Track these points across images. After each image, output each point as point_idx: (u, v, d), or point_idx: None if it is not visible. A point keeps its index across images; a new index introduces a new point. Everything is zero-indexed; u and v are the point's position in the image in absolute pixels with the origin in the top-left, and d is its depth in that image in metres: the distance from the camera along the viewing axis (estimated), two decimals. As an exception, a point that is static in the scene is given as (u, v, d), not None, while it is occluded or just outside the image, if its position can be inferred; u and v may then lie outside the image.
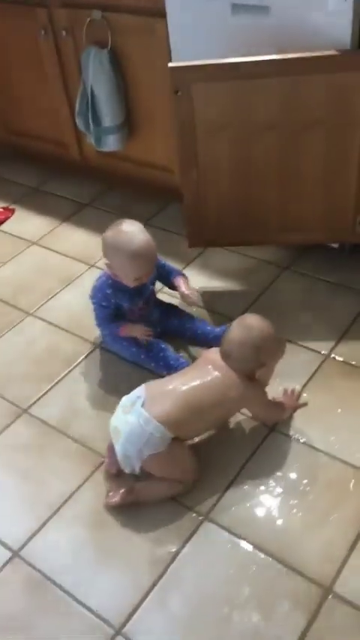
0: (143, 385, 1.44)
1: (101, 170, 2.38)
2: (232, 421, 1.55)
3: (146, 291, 1.71)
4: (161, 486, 1.40)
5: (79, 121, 2.17)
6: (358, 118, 1.59)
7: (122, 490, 1.40)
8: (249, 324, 1.43)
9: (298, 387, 1.59)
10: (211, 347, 1.64)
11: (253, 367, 1.42)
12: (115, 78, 2.02)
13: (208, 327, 1.77)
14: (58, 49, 2.16)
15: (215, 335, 1.73)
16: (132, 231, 1.58)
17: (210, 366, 1.43)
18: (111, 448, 1.46)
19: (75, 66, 2.14)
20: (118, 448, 1.39)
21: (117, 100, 2.05)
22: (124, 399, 1.44)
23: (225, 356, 1.42)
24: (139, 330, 1.69)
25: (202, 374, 1.42)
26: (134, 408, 1.38)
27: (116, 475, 1.45)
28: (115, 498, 1.40)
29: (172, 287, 1.77)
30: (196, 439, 1.49)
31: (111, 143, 2.13)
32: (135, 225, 1.60)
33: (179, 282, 1.74)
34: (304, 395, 1.59)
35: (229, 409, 1.48)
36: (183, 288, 1.72)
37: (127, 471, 1.40)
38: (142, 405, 1.37)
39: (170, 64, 1.60)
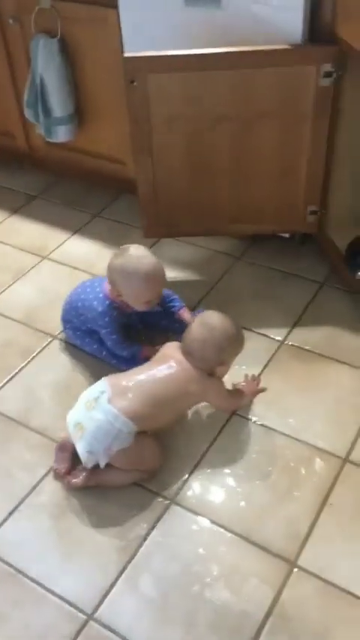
0: (104, 379, 1.44)
1: (50, 161, 2.36)
2: (195, 407, 1.57)
3: (150, 317, 1.73)
4: (123, 475, 1.41)
5: (27, 112, 2.14)
6: (308, 110, 1.65)
7: (84, 473, 1.40)
8: (211, 325, 1.44)
9: (256, 374, 1.63)
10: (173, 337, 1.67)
11: (213, 365, 1.45)
12: (65, 68, 2.00)
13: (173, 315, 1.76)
14: (4, 38, 2.12)
15: (180, 326, 1.74)
16: (142, 255, 1.58)
17: (171, 361, 1.44)
18: (61, 447, 1.46)
19: (23, 55, 2.10)
20: (81, 444, 1.37)
21: (67, 90, 2.04)
22: (86, 393, 1.43)
23: (186, 353, 1.44)
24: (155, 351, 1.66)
25: (164, 369, 1.43)
26: (99, 404, 1.37)
27: (65, 474, 1.44)
28: (77, 479, 1.40)
29: (171, 315, 1.74)
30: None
31: (61, 134, 2.11)
32: (142, 249, 1.60)
33: (185, 316, 1.71)
34: (262, 380, 1.64)
35: (190, 402, 1.51)
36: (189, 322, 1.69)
37: (89, 466, 1.39)
38: (108, 401, 1.37)
39: (125, 54, 1.61)
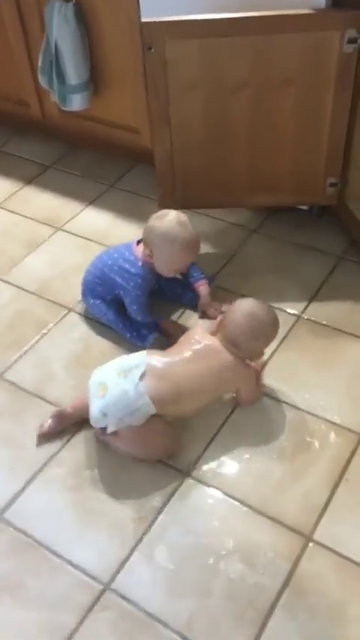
0: (145, 353, 1.42)
1: (65, 130, 2.32)
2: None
3: (168, 283, 1.75)
4: (130, 445, 1.41)
5: (42, 79, 2.10)
6: (330, 78, 1.60)
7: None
8: (260, 317, 1.43)
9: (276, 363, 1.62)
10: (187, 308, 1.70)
11: (257, 354, 1.49)
12: (80, 33, 1.95)
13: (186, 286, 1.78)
14: (17, 3, 2.06)
15: (192, 296, 1.75)
16: (185, 222, 1.59)
17: (210, 351, 1.43)
18: (59, 415, 1.48)
19: (37, 20, 2.05)
20: (98, 403, 1.37)
21: (82, 56, 1.99)
22: (121, 360, 1.43)
23: (229, 342, 1.42)
24: (175, 326, 1.70)
25: (204, 361, 1.41)
26: (131, 376, 1.36)
27: (46, 434, 1.48)
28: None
29: (190, 286, 1.76)
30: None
31: (76, 102, 2.07)
32: (184, 216, 1.61)
33: (202, 289, 1.73)
34: (279, 355, 1.63)
35: (222, 390, 1.49)
36: (204, 299, 1.73)
37: (96, 425, 1.40)
38: (141, 378, 1.36)
39: (143, 19, 1.56)
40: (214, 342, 1.44)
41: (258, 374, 1.53)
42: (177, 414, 1.43)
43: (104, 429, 1.39)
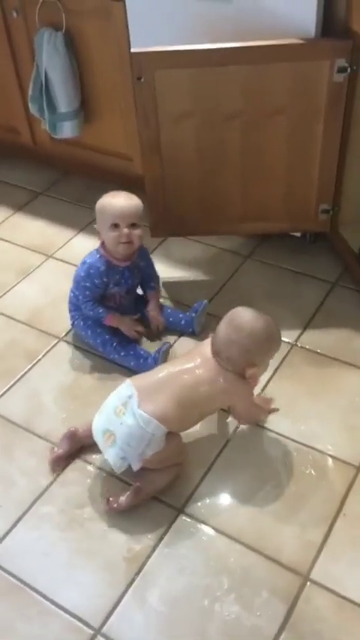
0: (129, 382, 1.38)
1: (56, 157, 2.32)
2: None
3: (133, 275, 1.70)
4: (163, 476, 1.37)
5: (32, 107, 2.10)
6: (320, 106, 1.59)
7: (128, 493, 1.35)
8: (238, 325, 1.34)
9: (267, 379, 1.58)
10: (182, 334, 1.70)
11: (240, 367, 1.36)
12: (70, 62, 1.95)
13: (179, 314, 1.77)
14: (8, 31, 2.07)
15: (186, 321, 1.74)
16: (117, 193, 1.64)
17: (198, 360, 1.38)
18: (71, 436, 1.45)
19: (27, 49, 2.05)
20: (112, 451, 1.33)
21: (72, 84, 1.99)
22: (112, 399, 1.38)
23: (215, 353, 1.37)
24: (127, 323, 1.69)
25: (191, 368, 1.37)
26: (129, 409, 1.32)
27: (59, 458, 1.44)
28: (121, 501, 1.35)
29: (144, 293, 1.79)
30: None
31: (67, 130, 2.07)
32: (124, 193, 1.64)
33: (150, 298, 1.76)
34: (273, 385, 1.60)
35: (217, 404, 1.45)
36: (151, 307, 1.74)
37: (119, 471, 1.36)
38: (138, 405, 1.32)
39: (133, 50, 1.56)
40: (205, 350, 1.39)
41: (250, 390, 1.43)
42: (182, 428, 1.39)
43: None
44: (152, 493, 1.37)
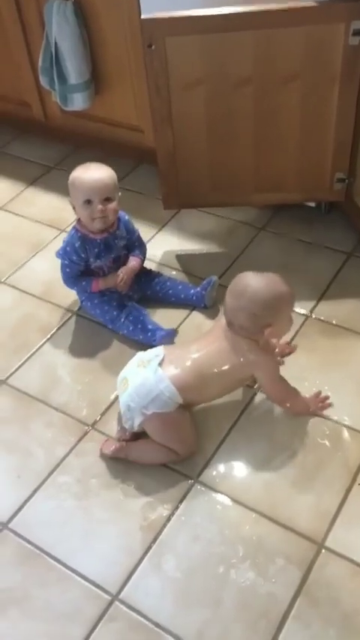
0: (162, 346, 1.42)
1: (68, 130, 2.29)
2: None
3: (113, 245, 1.67)
4: (156, 451, 1.38)
5: (42, 79, 2.08)
6: (336, 71, 1.56)
7: (116, 444, 1.40)
8: (239, 291, 1.32)
9: (329, 394, 1.49)
10: (194, 307, 1.68)
11: (255, 332, 1.33)
12: (80, 31, 1.92)
13: (190, 289, 1.75)
14: (17, 2, 2.04)
15: (197, 297, 1.73)
16: (89, 164, 1.60)
17: (220, 332, 1.38)
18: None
19: (37, 20, 2.02)
20: (122, 399, 1.37)
21: (83, 55, 1.96)
22: (142, 353, 1.42)
23: (228, 323, 1.36)
24: (111, 279, 1.66)
25: (213, 340, 1.38)
26: (150, 365, 1.36)
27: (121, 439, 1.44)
28: (107, 450, 1.40)
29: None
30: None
31: (77, 102, 2.04)
32: (96, 163, 1.61)
33: (130, 262, 1.70)
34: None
35: (239, 375, 1.41)
36: (123, 268, 1.68)
37: (126, 425, 1.38)
38: (160, 364, 1.35)
39: (143, 16, 1.53)
40: (223, 323, 1.38)
41: (272, 359, 1.40)
42: (202, 399, 1.41)
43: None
44: (135, 458, 1.39)
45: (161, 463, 1.39)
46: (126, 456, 1.40)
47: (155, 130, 1.69)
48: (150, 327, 1.65)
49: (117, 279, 1.65)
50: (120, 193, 1.64)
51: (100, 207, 1.56)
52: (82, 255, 1.64)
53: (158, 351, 1.39)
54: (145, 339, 1.64)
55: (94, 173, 1.57)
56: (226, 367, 1.36)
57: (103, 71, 2.02)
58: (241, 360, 1.35)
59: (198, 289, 1.74)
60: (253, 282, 1.33)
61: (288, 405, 1.45)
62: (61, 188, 2.20)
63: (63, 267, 1.67)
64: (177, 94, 1.61)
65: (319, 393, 1.49)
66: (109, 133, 2.17)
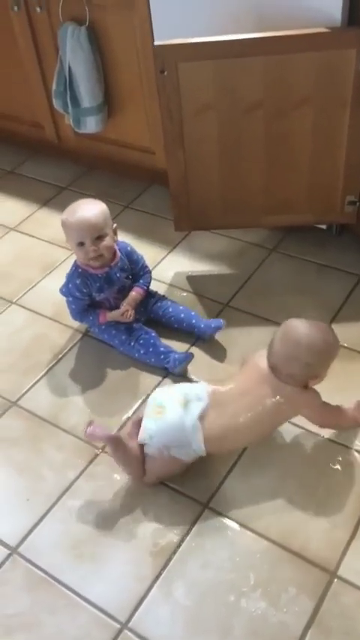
0: (206, 389, 1.36)
1: (80, 152, 2.32)
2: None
3: (115, 279, 1.66)
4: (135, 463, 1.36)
5: (56, 102, 2.10)
6: (346, 96, 1.57)
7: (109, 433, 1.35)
8: (295, 340, 1.30)
9: None
10: (197, 338, 1.67)
11: (301, 380, 1.32)
12: (93, 56, 1.95)
13: (193, 320, 1.71)
14: (32, 26, 2.07)
15: (201, 330, 1.70)
16: (79, 202, 1.61)
17: (259, 376, 1.34)
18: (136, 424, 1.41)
19: (51, 44, 2.06)
20: (151, 423, 1.33)
21: (96, 79, 1.99)
22: (185, 387, 1.39)
23: (272, 369, 1.33)
24: (117, 314, 1.66)
25: (254, 386, 1.34)
26: (191, 410, 1.32)
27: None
28: (97, 431, 1.34)
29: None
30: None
31: (90, 124, 2.07)
32: (87, 199, 1.63)
33: (132, 292, 1.69)
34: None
35: (281, 419, 1.39)
36: (127, 299, 1.68)
37: (140, 440, 1.35)
38: (200, 416, 1.31)
39: (156, 42, 1.55)
40: (260, 367, 1.35)
41: (314, 395, 1.36)
42: (233, 448, 1.38)
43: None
44: (116, 454, 1.36)
45: (129, 473, 1.38)
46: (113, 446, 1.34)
47: (167, 153, 1.71)
48: (162, 349, 1.64)
49: (121, 314, 1.66)
50: (115, 225, 1.64)
51: (92, 247, 1.56)
52: (85, 291, 1.64)
53: (202, 393, 1.35)
54: (157, 362, 1.63)
55: (81, 213, 1.55)
56: (270, 414, 1.33)
57: (116, 95, 2.05)
58: (285, 404, 1.33)
59: (202, 326, 1.69)
60: (308, 331, 1.31)
61: (338, 424, 1.43)
62: (73, 209, 2.23)
63: (68, 303, 1.69)
64: (189, 118, 1.62)
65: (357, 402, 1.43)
66: (122, 155, 2.19)
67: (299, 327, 1.32)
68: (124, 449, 1.35)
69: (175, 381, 1.61)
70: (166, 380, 1.63)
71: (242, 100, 1.60)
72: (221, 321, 1.69)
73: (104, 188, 2.31)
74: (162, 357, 1.63)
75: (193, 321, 1.71)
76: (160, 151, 2.01)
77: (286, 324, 1.34)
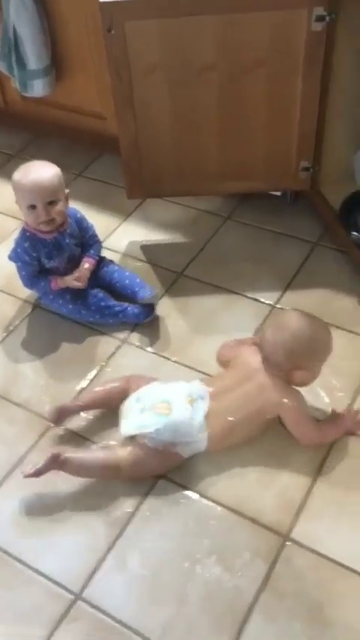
0: (203, 384, 1.36)
1: (28, 117, 2.23)
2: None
3: (64, 245, 1.62)
4: (97, 467, 1.32)
5: (1, 64, 2.01)
6: (299, 58, 1.53)
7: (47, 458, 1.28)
8: (283, 324, 1.30)
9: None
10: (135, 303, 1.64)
11: (285, 370, 1.31)
12: (39, 16, 1.86)
13: (136, 288, 1.66)
14: (-27, -16, 1.96)
15: (138, 295, 1.65)
16: (33, 163, 1.57)
17: (250, 373, 1.34)
18: (63, 412, 1.39)
19: (-6, 3, 1.96)
20: (156, 419, 1.29)
21: (42, 40, 1.90)
22: (186, 386, 1.36)
23: (264, 358, 1.33)
24: (69, 279, 1.62)
25: (245, 385, 1.33)
26: (198, 407, 1.31)
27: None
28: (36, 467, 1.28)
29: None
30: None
31: (38, 88, 1.99)
32: (41, 161, 1.58)
33: (84, 264, 1.65)
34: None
35: (267, 415, 1.35)
36: (78, 269, 1.63)
37: (123, 430, 1.33)
38: (206, 415, 1.31)
39: (100, 0, 1.48)
40: (255, 362, 1.35)
41: (299, 399, 1.34)
42: (233, 445, 1.36)
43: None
44: (72, 471, 1.30)
45: (100, 477, 1.33)
46: (59, 468, 1.29)
47: (117, 116, 1.65)
48: (117, 308, 1.63)
49: (74, 279, 1.61)
50: (68, 191, 1.59)
51: (43, 212, 1.52)
52: (34, 255, 1.60)
53: (204, 392, 1.34)
54: (117, 321, 1.62)
55: (35, 176, 1.51)
56: (258, 410, 1.33)
57: (64, 57, 1.97)
58: (270, 397, 1.32)
59: (137, 306, 1.64)
60: (301, 320, 1.31)
61: (320, 441, 1.36)
62: (23, 177, 2.16)
63: (18, 269, 1.64)
64: (138, 79, 1.57)
65: (353, 410, 1.40)
66: (72, 121, 2.12)
67: (293, 316, 1.33)
68: (79, 461, 1.31)
69: (134, 339, 1.62)
70: (124, 347, 1.61)
71: (193, 61, 1.55)
72: (150, 293, 1.63)
73: (55, 155, 2.20)
74: (120, 315, 1.62)
75: (136, 288, 1.66)
76: (111, 117, 1.95)
77: (281, 312, 1.33)
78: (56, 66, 1.98)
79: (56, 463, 1.28)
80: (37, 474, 1.28)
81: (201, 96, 1.61)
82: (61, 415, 1.41)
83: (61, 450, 1.31)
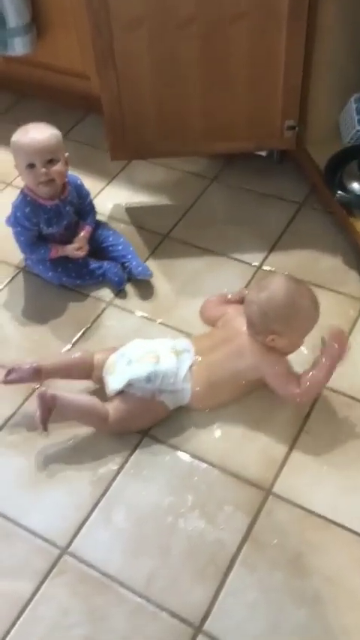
0: (189, 341, 1.39)
1: (10, 77, 2.19)
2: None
3: (64, 213, 1.61)
4: (84, 410, 1.33)
5: (-20, 22, 1.96)
6: (283, 10, 1.50)
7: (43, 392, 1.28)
8: (262, 286, 1.29)
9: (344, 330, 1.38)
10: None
11: (261, 333, 1.29)
12: (18, -30, 1.81)
13: (129, 256, 1.67)
14: None
15: (130, 272, 1.65)
16: (32, 124, 1.54)
17: (233, 334, 1.35)
18: (36, 372, 1.37)
19: None
20: (146, 367, 1.31)
21: (22, -4, 1.86)
22: (172, 341, 1.38)
23: (248, 324, 1.32)
24: (71, 249, 1.61)
25: (228, 345, 1.34)
26: (184, 361, 1.34)
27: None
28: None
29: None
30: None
31: (19, 46, 1.94)
32: (39, 123, 1.55)
33: (82, 233, 1.64)
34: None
35: (247, 377, 1.35)
36: (76, 239, 1.63)
37: (111, 385, 1.33)
38: (190, 368, 1.33)
39: None
40: (239, 323, 1.34)
41: (279, 358, 1.32)
42: (216, 406, 1.37)
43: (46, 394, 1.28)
44: (62, 410, 1.30)
45: (85, 424, 1.35)
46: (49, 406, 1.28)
47: (98, 72, 1.62)
48: (98, 272, 1.63)
49: (75, 249, 1.61)
50: (67, 153, 1.58)
51: (43, 170, 1.50)
52: (34, 220, 1.58)
53: (188, 346, 1.36)
54: (97, 283, 1.63)
55: (34, 134, 1.50)
56: (237, 370, 1.34)
57: (45, 13, 1.92)
58: (249, 360, 1.32)
59: (132, 270, 1.64)
60: (281, 283, 1.27)
61: (308, 397, 1.34)
62: (7, 139, 2.09)
63: (17, 234, 1.61)
64: (119, 33, 1.53)
65: (335, 331, 1.32)
66: (55, 81, 2.08)
67: (276, 279, 1.30)
68: (67, 402, 1.30)
69: (119, 302, 1.62)
70: (109, 309, 1.61)
71: (174, 13, 1.51)
72: (149, 273, 1.65)
73: (39, 117, 2.12)
74: (100, 279, 1.64)
75: (129, 256, 1.67)
76: (94, 76, 1.91)
77: (269, 274, 1.33)
78: (37, 23, 1.94)
79: (45, 398, 1.27)
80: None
81: (183, 50, 1.58)
82: (35, 375, 1.38)
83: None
